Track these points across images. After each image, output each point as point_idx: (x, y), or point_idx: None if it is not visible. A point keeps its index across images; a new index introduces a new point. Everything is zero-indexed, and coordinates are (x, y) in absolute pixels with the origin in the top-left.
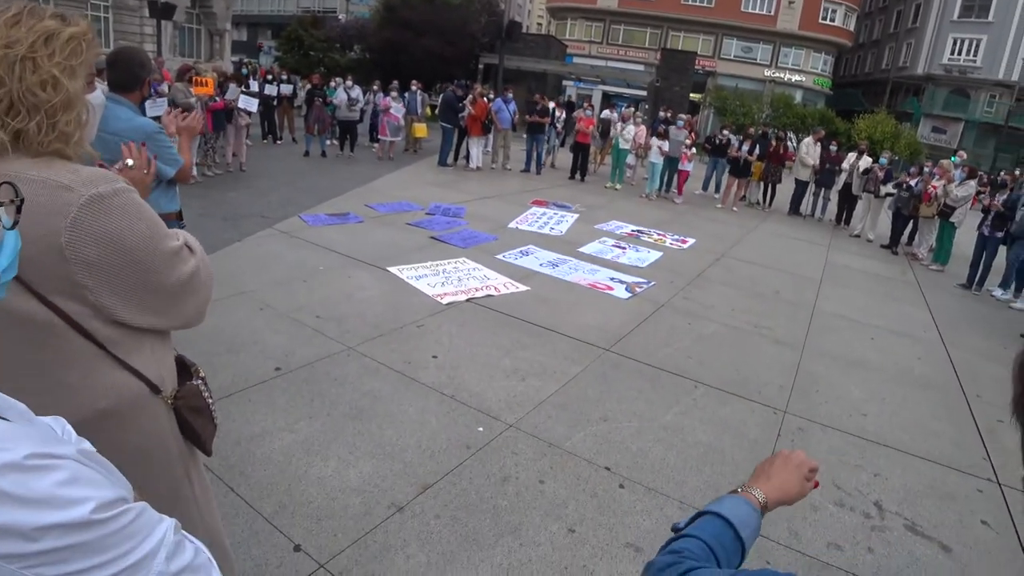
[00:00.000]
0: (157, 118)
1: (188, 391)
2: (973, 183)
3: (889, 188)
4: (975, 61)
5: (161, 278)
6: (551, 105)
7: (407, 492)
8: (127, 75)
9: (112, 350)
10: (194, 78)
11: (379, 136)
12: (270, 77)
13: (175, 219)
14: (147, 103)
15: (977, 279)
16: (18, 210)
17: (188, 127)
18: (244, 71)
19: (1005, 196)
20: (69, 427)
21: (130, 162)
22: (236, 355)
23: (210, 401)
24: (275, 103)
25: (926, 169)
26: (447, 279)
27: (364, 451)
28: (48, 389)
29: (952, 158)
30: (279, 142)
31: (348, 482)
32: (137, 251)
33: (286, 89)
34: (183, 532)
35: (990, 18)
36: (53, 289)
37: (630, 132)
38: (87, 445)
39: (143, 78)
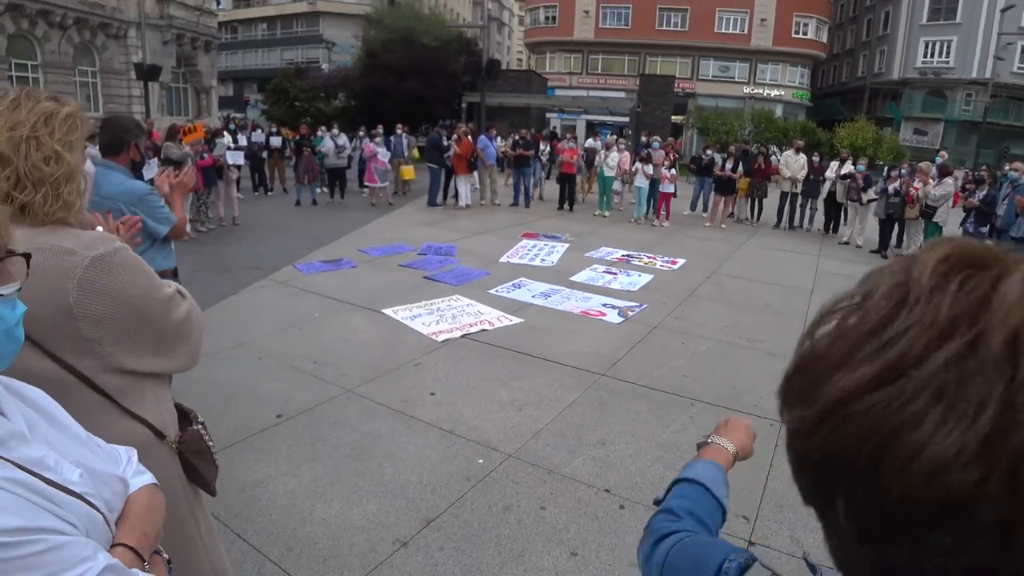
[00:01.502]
0: (152, 180)
1: (190, 436)
2: (950, 180)
3: (871, 194)
4: (948, 62)
5: (160, 323)
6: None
7: (411, 527)
8: (114, 139)
9: (119, 400)
10: (180, 129)
11: (367, 183)
12: (259, 129)
13: (170, 276)
14: (144, 168)
15: None
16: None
17: (181, 184)
18: (232, 127)
19: (983, 193)
20: (135, 456)
21: (99, 229)
22: (236, 405)
23: (211, 444)
24: (264, 155)
25: (903, 172)
26: (441, 317)
27: (367, 490)
28: None
29: (936, 159)
30: (270, 193)
31: (352, 521)
32: (138, 301)
33: (275, 141)
34: (135, 571)
35: (958, 19)
36: (64, 347)
37: (614, 159)
38: (137, 473)
39: (128, 141)
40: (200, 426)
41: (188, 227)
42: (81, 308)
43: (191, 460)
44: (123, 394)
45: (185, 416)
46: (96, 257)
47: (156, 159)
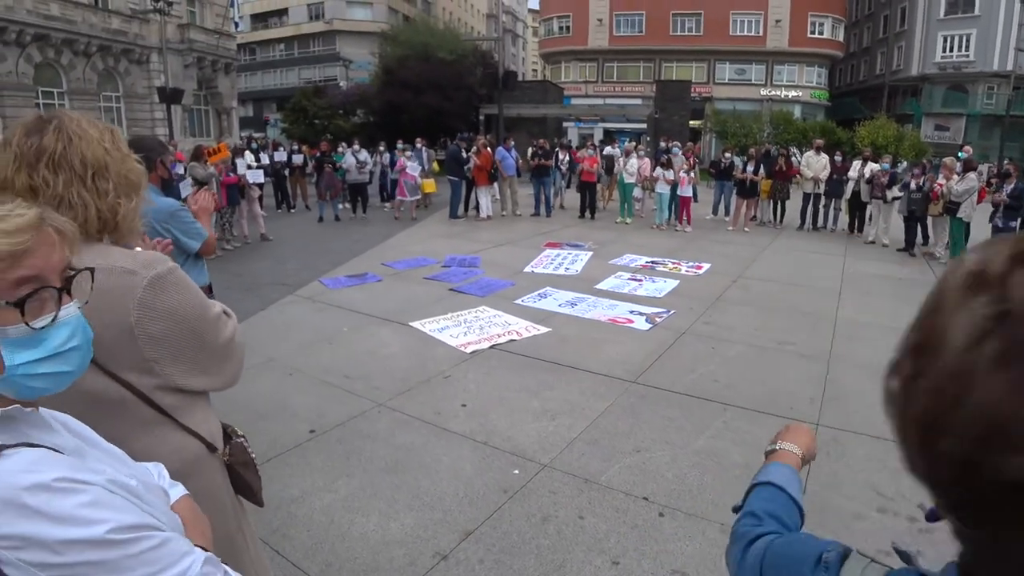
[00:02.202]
0: (187, 197)
1: (236, 448)
2: (973, 176)
3: (895, 191)
4: (968, 56)
5: (212, 342)
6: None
7: (450, 540)
8: (141, 159)
9: (174, 415)
10: (205, 150)
11: (398, 196)
12: (280, 148)
13: (206, 292)
14: (180, 185)
15: None
16: (56, 307)
17: (202, 207)
18: (254, 146)
19: (1011, 187)
20: (165, 471)
21: (138, 249)
22: (270, 421)
23: (253, 456)
24: (287, 173)
25: (917, 171)
26: (469, 328)
27: (403, 504)
28: None
29: (960, 155)
30: (293, 210)
31: (391, 535)
32: (192, 320)
33: (298, 159)
34: (226, 568)
35: (976, 12)
36: (125, 367)
37: (633, 166)
38: (171, 486)
39: (154, 159)
40: (242, 439)
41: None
42: (142, 328)
43: (239, 471)
44: (177, 409)
45: (224, 431)
46: (155, 277)
47: (191, 178)
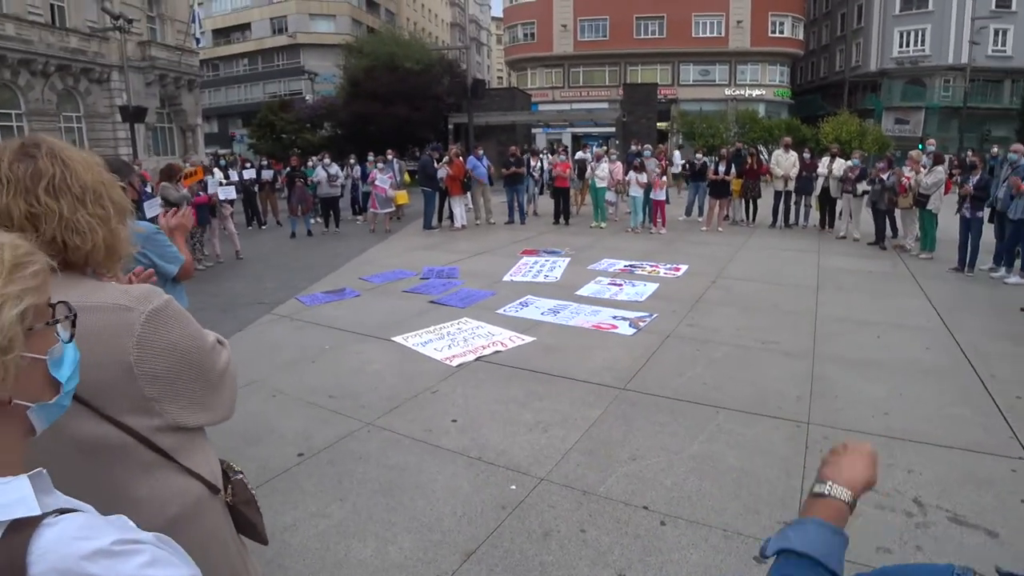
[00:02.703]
0: (155, 218)
1: (237, 486)
2: (941, 168)
3: (864, 185)
4: (924, 50)
5: (210, 374)
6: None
7: (451, 561)
8: None
9: (175, 457)
10: (178, 171)
11: (371, 208)
12: (248, 164)
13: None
14: (145, 204)
15: (968, 261)
16: (72, 324)
17: (179, 224)
18: (222, 162)
19: (976, 178)
20: (131, 523)
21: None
22: (256, 446)
23: (253, 492)
24: (255, 189)
25: (893, 163)
26: (453, 341)
27: (400, 526)
28: (118, 509)
29: (920, 147)
30: (264, 227)
31: (390, 560)
32: (191, 353)
33: (267, 174)
34: None
35: (930, 7)
36: (124, 409)
37: (604, 170)
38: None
39: (122, 181)
40: (241, 475)
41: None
42: (142, 366)
43: (242, 510)
44: (177, 450)
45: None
46: (153, 311)
47: (158, 198)
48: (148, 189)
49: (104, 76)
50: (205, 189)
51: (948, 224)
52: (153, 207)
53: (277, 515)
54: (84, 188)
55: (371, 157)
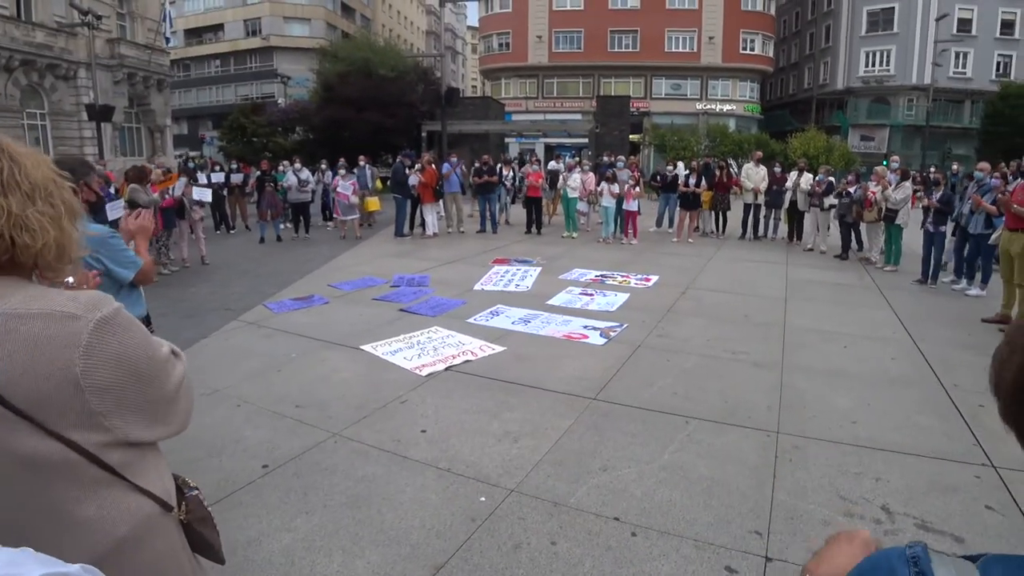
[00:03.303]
0: (116, 221)
1: (192, 502)
2: (908, 184)
3: (831, 199)
4: (889, 70)
5: (162, 387)
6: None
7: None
8: None
9: (125, 474)
10: (149, 172)
11: (335, 215)
12: (218, 167)
13: (144, 324)
14: (108, 205)
15: (931, 273)
16: None
17: (140, 227)
18: (191, 164)
19: (939, 194)
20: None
21: (70, 280)
22: (219, 458)
23: (210, 509)
24: (224, 193)
25: (861, 177)
26: (423, 350)
27: (368, 540)
28: (62, 531)
29: (884, 163)
30: (232, 231)
31: (357, 575)
32: (142, 364)
33: (236, 178)
34: None
35: (895, 29)
36: (69, 424)
37: (576, 180)
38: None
39: (77, 182)
40: (196, 491)
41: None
42: (89, 378)
43: (197, 529)
44: (127, 466)
45: (175, 484)
46: (101, 320)
47: (121, 199)
48: (112, 191)
49: (71, 73)
50: (172, 192)
51: (911, 238)
52: (116, 209)
53: (240, 529)
54: (34, 185)
55: (342, 163)
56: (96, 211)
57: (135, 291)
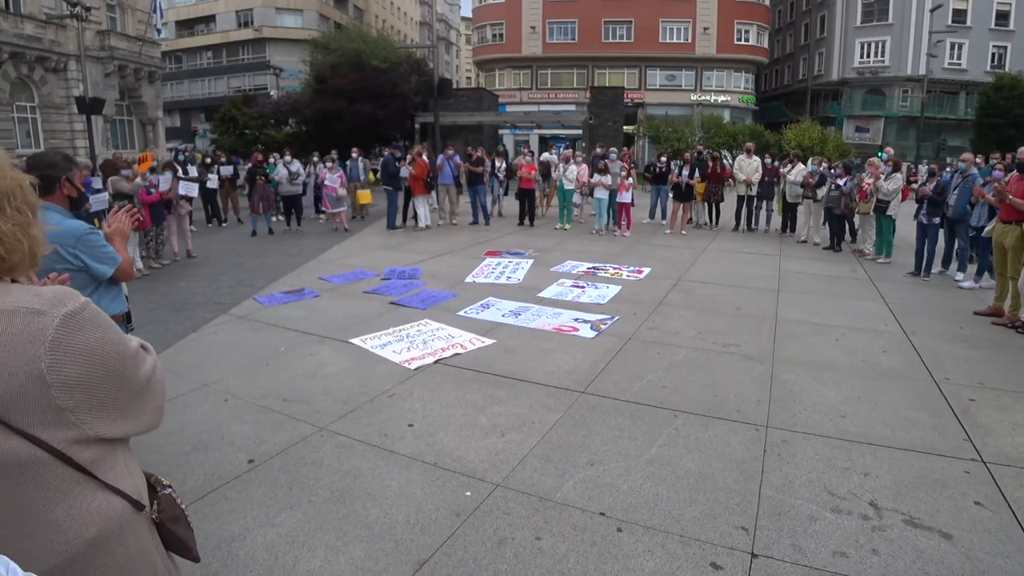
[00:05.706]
0: (101, 213)
1: (164, 501)
2: (899, 175)
3: (824, 191)
4: (884, 61)
5: (131, 382)
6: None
7: (403, 571)
8: (41, 178)
9: (94, 472)
10: (119, 160)
11: (323, 209)
12: (209, 161)
13: (122, 322)
14: (91, 199)
15: (924, 265)
16: None
17: (117, 230)
18: (180, 158)
19: (934, 183)
20: (14, 565)
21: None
22: (205, 452)
23: (183, 507)
24: (217, 186)
25: (852, 168)
26: (412, 343)
27: (352, 535)
28: (30, 532)
29: (879, 154)
30: (224, 224)
31: (340, 570)
32: (111, 359)
33: (226, 171)
34: None
35: (890, 20)
36: (35, 422)
37: (573, 172)
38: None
39: (58, 177)
40: (169, 489)
41: (139, 263)
42: (55, 374)
43: (170, 527)
44: (97, 464)
45: (147, 482)
46: (67, 315)
47: (106, 193)
48: (98, 184)
49: (61, 65)
50: (159, 186)
51: (905, 230)
52: (100, 202)
53: (225, 525)
54: (1, 194)
55: (334, 155)
56: (77, 206)
57: (114, 287)
